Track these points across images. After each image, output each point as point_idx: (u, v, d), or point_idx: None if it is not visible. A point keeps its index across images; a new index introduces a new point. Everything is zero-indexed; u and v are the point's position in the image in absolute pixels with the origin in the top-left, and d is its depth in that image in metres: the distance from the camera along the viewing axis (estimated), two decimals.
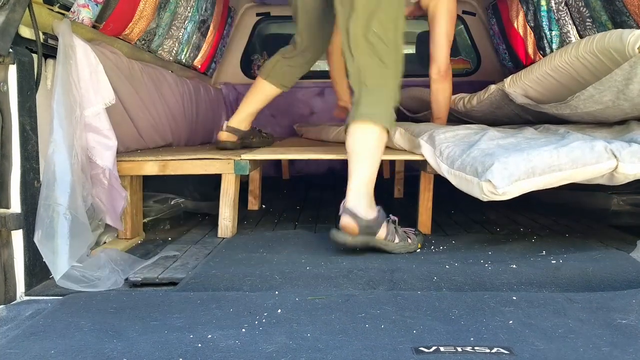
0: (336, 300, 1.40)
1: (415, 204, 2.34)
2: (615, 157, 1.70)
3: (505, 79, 2.42)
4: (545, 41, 3.46)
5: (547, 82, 2.06)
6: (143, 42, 2.81)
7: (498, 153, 1.82)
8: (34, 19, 1.70)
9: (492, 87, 2.52)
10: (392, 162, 3.70)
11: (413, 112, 3.51)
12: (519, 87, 2.25)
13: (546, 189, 3.03)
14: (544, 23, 3.42)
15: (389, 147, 2.66)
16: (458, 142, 2.02)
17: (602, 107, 1.88)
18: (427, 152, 2.12)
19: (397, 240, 1.96)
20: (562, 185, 2.80)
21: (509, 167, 1.74)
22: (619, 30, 1.76)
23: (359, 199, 1.90)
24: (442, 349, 1.12)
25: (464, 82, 4.30)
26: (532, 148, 1.80)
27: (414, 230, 2.10)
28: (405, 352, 1.11)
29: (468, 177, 1.87)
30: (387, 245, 1.94)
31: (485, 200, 1.81)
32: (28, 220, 1.60)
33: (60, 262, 1.58)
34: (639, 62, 1.70)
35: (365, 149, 1.92)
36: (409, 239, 2.00)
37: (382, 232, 1.93)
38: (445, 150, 1.99)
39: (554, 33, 3.39)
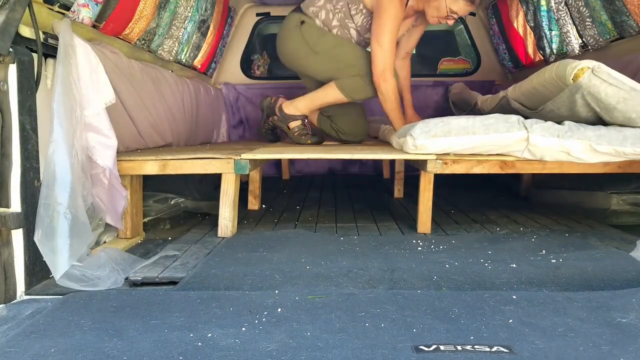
0: (336, 299, 1.40)
1: (415, 203, 2.35)
2: (526, 128, 2.07)
3: (509, 88, 2.64)
4: (545, 41, 3.46)
5: (532, 94, 2.38)
6: (143, 42, 2.81)
7: (426, 119, 2.25)
8: (34, 18, 1.70)
9: (501, 93, 2.79)
10: (392, 162, 3.70)
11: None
12: (516, 95, 2.55)
13: (547, 189, 3.04)
14: (544, 23, 3.42)
15: (389, 146, 2.67)
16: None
17: (566, 115, 2.20)
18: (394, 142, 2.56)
19: (296, 133, 3.13)
20: (562, 185, 2.84)
21: (429, 126, 2.16)
22: (568, 61, 2.08)
23: (292, 105, 3.18)
24: (442, 347, 1.12)
25: (464, 82, 4.30)
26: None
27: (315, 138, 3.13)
28: (405, 350, 1.11)
29: (402, 139, 2.30)
30: (288, 132, 3.17)
31: (412, 152, 2.22)
32: (28, 219, 1.60)
33: (60, 261, 1.58)
34: (575, 89, 2.04)
35: (324, 94, 3.08)
36: (303, 137, 3.11)
37: (292, 124, 3.14)
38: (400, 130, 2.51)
39: (553, 33, 3.39)
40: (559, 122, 2.14)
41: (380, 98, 2.96)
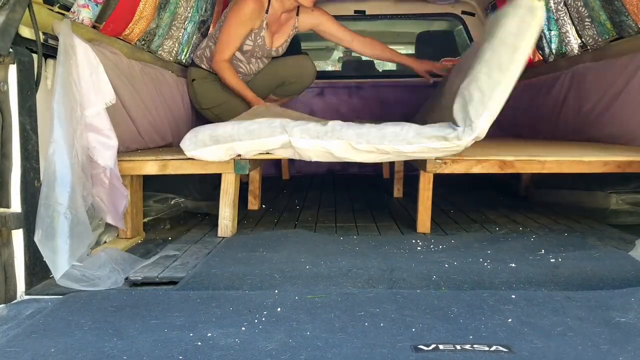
0: (335, 299, 1.40)
1: (414, 203, 2.35)
2: (287, 132, 2.08)
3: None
4: (544, 41, 3.47)
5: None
6: (143, 42, 2.81)
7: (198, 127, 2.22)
8: (34, 19, 1.70)
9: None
10: (392, 162, 3.70)
11: None
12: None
13: (546, 189, 3.05)
14: (543, 23, 3.42)
15: None
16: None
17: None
18: None
19: None
20: (562, 185, 2.84)
21: (198, 135, 2.13)
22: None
23: None
24: (441, 347, 1.12)
25: None
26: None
27: None
28: (404, 350, 1.11)
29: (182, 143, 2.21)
30: None
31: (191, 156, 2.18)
32: (28, 219, 1.61)
33: (61, 262, 1.58)
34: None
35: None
36: None
37: None
38: None
39: (552, 33, 3.39)
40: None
41: (221, 78, 3.23)
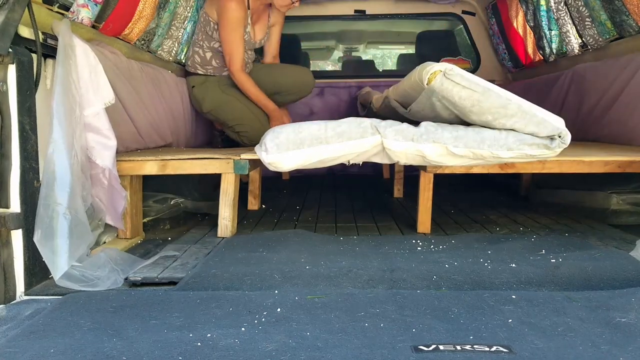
0: (335, 299, 1.40)
1: (415, 203, 2.34)
2: (379, 132, 1.95)
3: (391, 87, 2.68)
4: (544, 41, 3.46)
5: (404, 95, 2.34)
6: (142, 42, 2.81)
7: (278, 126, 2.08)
8: (33, 18, 1.70)
9: (385, 92, 2.79)
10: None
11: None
12: (394, 95, 2.53)
13: (547, 189, 3.04)
14: (544, 23, 3.42)
15: None
16: None
17: (431, 117, 2.12)
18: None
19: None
20: (562, 185, 2.84)
21: (280, 136, 1.96)
22: (427, 64, 1.98)
23: None
24: (441, 347, 1.12)
25: None
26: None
27: None
28: (404, 350, 1.11)
29: (258, 147, 2.07)
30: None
31: (272, 170, 2.04)
32: (28, 219, 1.60)
33: (60, 262, 1.58)
34: (430, 93, 1.96)
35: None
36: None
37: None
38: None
39: (553, 32, 3.39)
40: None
41: (241, 88, 3.30)
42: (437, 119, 2.10)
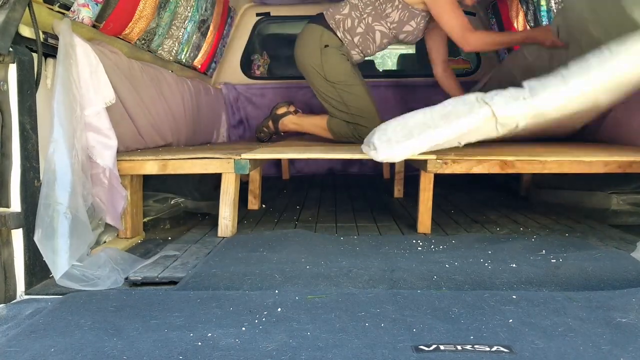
0: (336, 299, 1.40)
1: (415, 203, 2.34)
2: (487, 103, 1.85)
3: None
4: None
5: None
6: (143, 41, 2.81)
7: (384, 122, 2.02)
8: (34, 18, 1.70)
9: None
10: (392, 162, 3.70)
11: None
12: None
13: (547, 189, 3.04)
14: (544, 23, 3.42)
15: None
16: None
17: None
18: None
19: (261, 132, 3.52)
20: (562, 185, 2.84)
21: (387, 132, 1.92)
22: None
23: (287, 119, 3.46)
24: (442, 347, 1.12)
25: (464, 82, 4.29)
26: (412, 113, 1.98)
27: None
28: (405, 350, 1.11)
29: (365, 147, 2.06)
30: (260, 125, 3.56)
31: (382, 161, 1.99)
32: (28, 219, 1.60)
33: (60, 261, 1.58)
34: None
35: (314, 127, 3.37)
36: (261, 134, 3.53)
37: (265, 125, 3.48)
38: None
39: None
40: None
41: (487, 45, 3.03)
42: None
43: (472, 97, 1.89)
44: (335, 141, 3.30)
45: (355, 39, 3.13)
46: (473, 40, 2.92)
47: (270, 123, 3.50)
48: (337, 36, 3.12)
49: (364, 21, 3.09)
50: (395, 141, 1.90)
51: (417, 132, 1.89)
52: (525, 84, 1.89)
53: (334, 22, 3.13)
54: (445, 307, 1.34)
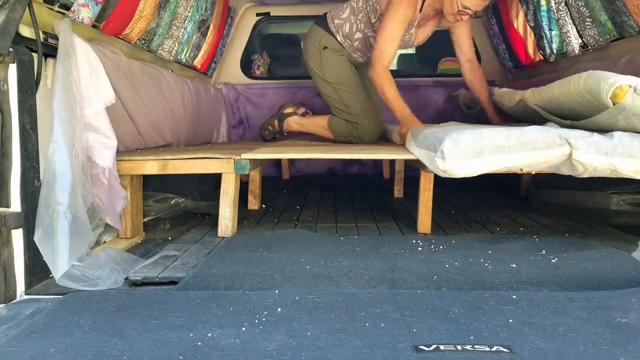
0: (336, 299, 1.40)
1: (415, 203, 2.34)
2: (569, 144, 1.82)
3: (526, 91, 2.57)
4: (545, 41, 3.46)
5: (554, 104, 2.26)
6: (143, 41, 2.81)
7: (452, 130, 1.96)
8: (34, 18, 1.70)
9: (518, 95, 2.68)
10: (392, 162, 3.70)
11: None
12: (535, 100, 2.43)
13: (547, 189, 3.04)
14: (544, 23, 3.41)
15: (388, 146, 2.67)
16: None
17: (606, 129, 1.97)
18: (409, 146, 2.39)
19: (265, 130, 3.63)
20: (562, 185, 2.84)
21: (460, 144, 1.85)
22: (598, 74, 1.88)
23: (292, 119, 3.56)
24: (442, 347, 1.12)
25: (464, 82, 4.29)
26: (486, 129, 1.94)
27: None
28: (405, 350, 1.11)
29: (424, 151, 2.04)
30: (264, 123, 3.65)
31: (443, 176, 1.93)
32: (28, 219, 1.60)
33: (61, 261, 1.58)
34: (616, 112, 1.84)
35: (317, 128, 3.42)
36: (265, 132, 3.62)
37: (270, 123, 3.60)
38: (418, 134, 2.27)
39: (553, 33, 3.38)
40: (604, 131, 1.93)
41: (379, 87, 2.95)
42: (609, 130, 1.94)
43: (554, 132, 1.86)
44: (336, 141, 3.31)
45: (355, 44, 3.19)
46: (378, 74, 2.90)
47: (275, 121, 3.58)
48: (337, 40, 3.19)
49: (359, 27, 3.15)
50: (464, 156, 1.85)
51: (488, 152, 1.85)
52: (617, 136, 1.83)
53: (334, 27, 3.20)
54: (445, 307, 1.34)
